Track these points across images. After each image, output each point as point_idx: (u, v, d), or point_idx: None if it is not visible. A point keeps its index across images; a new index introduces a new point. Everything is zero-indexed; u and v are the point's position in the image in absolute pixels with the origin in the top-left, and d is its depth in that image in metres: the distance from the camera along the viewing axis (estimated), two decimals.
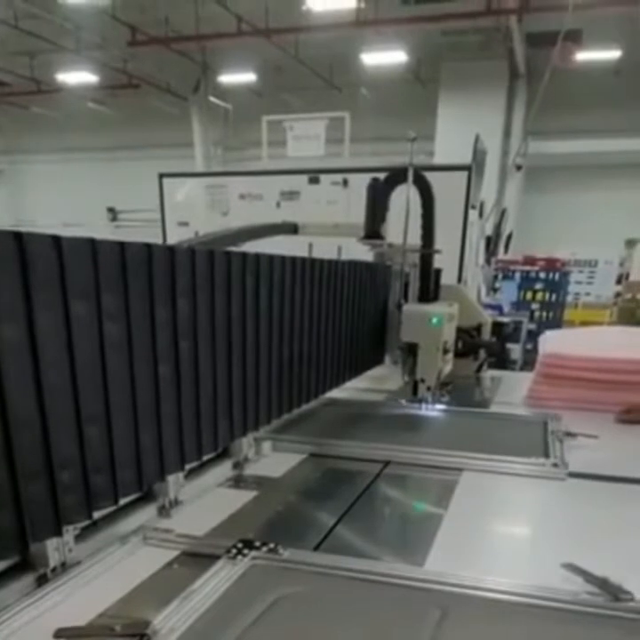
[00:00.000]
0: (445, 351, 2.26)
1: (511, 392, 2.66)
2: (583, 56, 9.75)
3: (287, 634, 0.99)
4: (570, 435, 1.94)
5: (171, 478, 1.38)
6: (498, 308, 5.48)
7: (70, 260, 1.01)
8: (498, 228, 5.42)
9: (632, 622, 0.99)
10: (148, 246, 1.19)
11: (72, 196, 16.39)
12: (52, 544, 1.08)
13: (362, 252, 2.57)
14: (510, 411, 2.35)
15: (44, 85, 14.11)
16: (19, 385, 0.96)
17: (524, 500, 1.63)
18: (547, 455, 1.79)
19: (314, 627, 1.01)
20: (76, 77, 13.37)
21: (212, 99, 14.33)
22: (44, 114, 15.62)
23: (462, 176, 3.47)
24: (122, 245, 1.12)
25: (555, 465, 1.71)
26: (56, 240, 0.99)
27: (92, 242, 1.06)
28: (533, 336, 5.39)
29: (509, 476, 1.70)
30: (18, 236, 0.93)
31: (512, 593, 1.06)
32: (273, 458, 1.81)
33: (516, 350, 5.44)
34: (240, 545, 1.19)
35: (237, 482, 1.65)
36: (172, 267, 1.26)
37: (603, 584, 1.05)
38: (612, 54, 11.12)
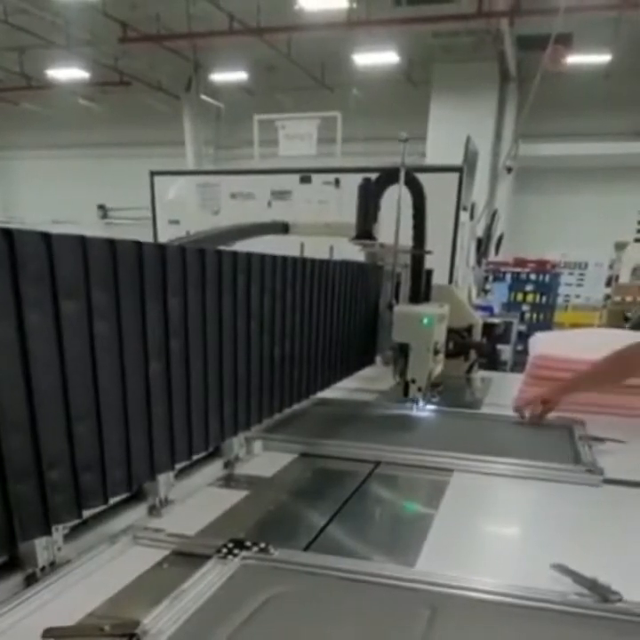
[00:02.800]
0: (436, 352, 2.26)
1: (502, 393, 2.66)
2: (573, 59, 9.81)
3: (278, 634, 0.99)
4: (597, 439, 1.90)
5: (161, 477, 1.37)
6: (489, 310, 5.52)
7: (60, 258, 1.00)
8: (489, 229, 5.45)
9: (620, 623, 1.00)
10: (139, 244, 1.19)
11: (62, 194, 16.30)
12: (40, 543, 1.08)
13: (354, 252, 2.57)
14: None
15: (34, 81, 13.99)
16: (8, 384, 0.95)
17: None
18: (577, 460, 1.74)
19: (305, 627, 1.01)
20: (67, 74, 13.27)
21: (203, 97, 14.29)
22: (33, 110, 15.49)
23: (454, 177, 3.48)
24: (112, 243, 1.12)
25: (589, 471, 1.66)
26: (46, 237, 0.98)
27: (82, 239, 1.05)
28: (524, 337, 5.43)
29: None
30: (8, 233, 0.92)
31: (502, 593, 1.07)
32: (264, 457, 1.81)
33: (506, 351, 5.48)
34: (231, 545, 1.18)
35: (228, 481, 1.64)
36: (162, 265, 1.25)
37: (592, 585, 1.05)
38: (603, 58, 11.21)
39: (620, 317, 7.70)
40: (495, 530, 1.51)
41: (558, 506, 1.56)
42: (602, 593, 1.04)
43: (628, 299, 8.32)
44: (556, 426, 2.14)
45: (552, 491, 1.63)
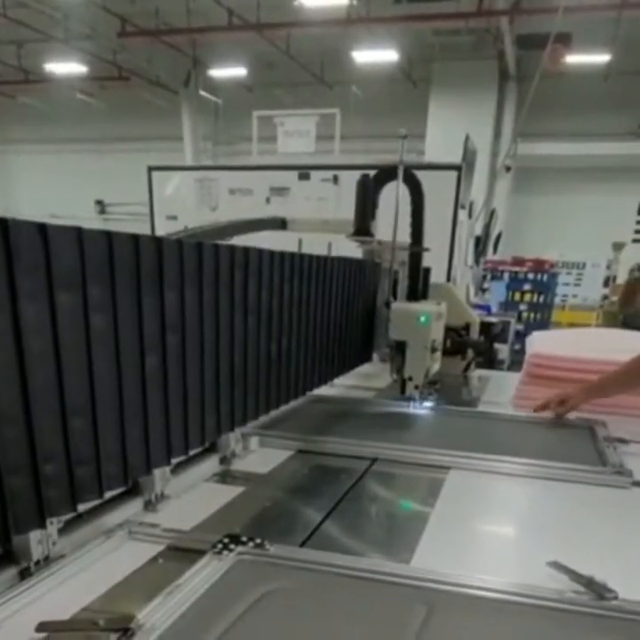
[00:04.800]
0: (433, 350, 2.26)
1: (499, 392, 2.66)
2: (573, 59, 9.80)
3: (273, 629, 0.98)
4: (622, 441, 1.86)
5: (157, 472, 1.36)
6: (486, 308, 5.51)
7: (56, 249, 1.00)
8: (487, 228, 5.46)
9: (615, 621, 1.00)
10: (136, 237, 1.18)
11: (60, 188, 16.24)
12: (35, 537, 1.07)
13: (352, 249, 2.57)
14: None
15: (31, 75, 13.92)
16: (2, 377, 0.95)
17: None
18: (603, 462, 1.71)
19: (300, 622, 1.00)
20: (65, 68, 13.20)
21: (202, 93, 14.24)
22: (31, 104, 15.42)
23: (452, 175, 3.48)
24: (109, 235, 1.11)
25: (618, 473, 1.63)
26: (42, 228, 0.97)
27: (78, 231, 1.04)
28: (521, 336, 5.44)
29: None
30: (2, 223, 0.91)
31: (498, 590, 1.07)
32: (260, 453, 1.81)
33: (503, 350, 5.47)
34: (226, 540, 1.18)
35: (224, 477, 1.64)
36: (159, 258, 1.24)
37: (588, 583, 1.05)
38: (602, 58, 11.20)
39: (616, 318, 7.70)
40: (494, 529, 1.50)
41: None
42: (598, 591, 1.04)
43: None
44: (567, 425, 2.10)
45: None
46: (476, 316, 3.08)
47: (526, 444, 1.96)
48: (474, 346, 2.95)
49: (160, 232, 4.01)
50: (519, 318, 8.56)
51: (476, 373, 3.06)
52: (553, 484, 1.63)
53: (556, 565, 1.11)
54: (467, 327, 2.91)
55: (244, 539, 1.18)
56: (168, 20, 11.25)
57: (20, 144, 17.02)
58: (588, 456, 1.79)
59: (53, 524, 1.10)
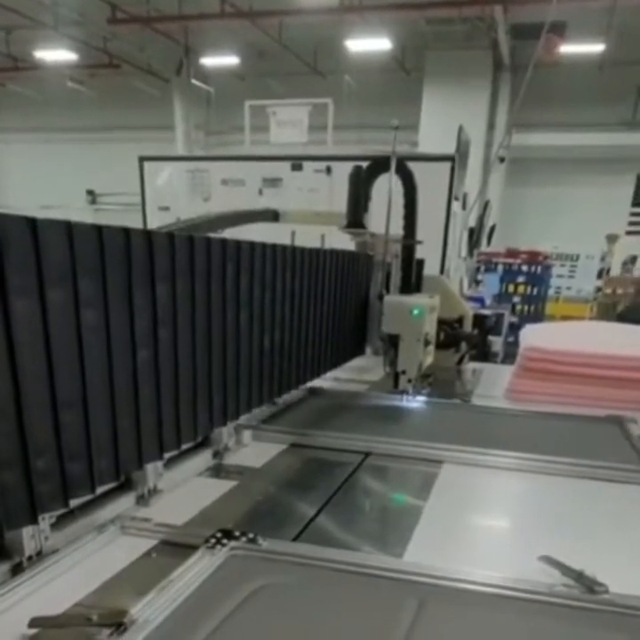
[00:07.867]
0: (427, 343, 2.26)
1: (492, 384, 2.66)
2: (567, 49, 9.77)
3: (266, 624, 0.98)
4: None
5: (149, 467, 1.36)
6: (480, 301, 5.50)
7: (46, 244, 0.98)
8: (481, 220, 5.45)
9: (604, 614, 1.01)
10: (127, 231, 1.17)
11: (50, 178, 16.07)
12: (27, 532, 1.07)
13: (345, 241, 2.56)
14: (574, 411, 2.18)
15: (21, 63, 13.73)
16: None
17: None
18: None
19: (292, 617, 1.01)
20: (55, 55, 13.02)
21: (194, 81, 14.10)
22: (21, 92, 15.23)
23: (446, 167, 3.47)
24: (99, 229, 1.10)
25: None
26: (31, 222, 0.96)
27: (68, 225, 1.03)
28: (515, 329, 5.43)
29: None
30: None
31: (488, 584, 1.07)
32: (253, 447, 1.81)
33: (497, 343, 5.46)
34: (219, 535, 1.18)
35: (217, 471, 1.64)
36: (150, 252, 1.23)
37: (578, 577, 1.06)
38: (596, 48, 11.16)
39: (610, 310, 7.73)
40: (486, 523, 1.50)
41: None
42: (588, 584, 1.04)
43: (620, 291, 8.36)
44: (591, 420, 2.07)
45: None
46: (469, 309, 3.09)
47: (545, 439, 1.92)
48: (467, 339, 2.96)
49: (152, 223, 3.99)
50: (513, 310, 8.56)
51: (470, 366, 3.06)
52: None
53: (548, 559, 1.12)
54: (460, 320, 2.91)
55: (237, 533, 1.18)
56: (159, 6, 11.10)
57: (9, 133, 16.80)
58: (622, 453, 1.74)
59: (46, 520, 1.10)
